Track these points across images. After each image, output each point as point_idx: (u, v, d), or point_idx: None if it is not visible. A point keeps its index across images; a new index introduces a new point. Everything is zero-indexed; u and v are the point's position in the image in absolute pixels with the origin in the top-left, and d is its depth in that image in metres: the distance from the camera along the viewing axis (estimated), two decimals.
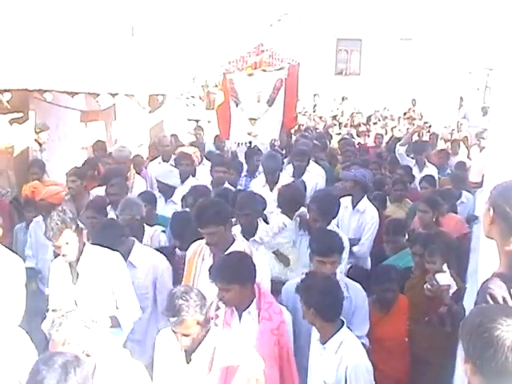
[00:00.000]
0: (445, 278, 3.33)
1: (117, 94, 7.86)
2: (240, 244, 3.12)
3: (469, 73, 13.98)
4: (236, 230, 3.50)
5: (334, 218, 3.68)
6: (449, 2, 13.43)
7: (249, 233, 3.67)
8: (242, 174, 5.96)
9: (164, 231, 4.10)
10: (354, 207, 4.63)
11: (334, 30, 16.10)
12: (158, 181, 5.11)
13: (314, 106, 14.23)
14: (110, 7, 9.05)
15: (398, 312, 3.57)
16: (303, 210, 3.77)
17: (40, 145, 6.41)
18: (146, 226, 4.01)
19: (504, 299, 1.94)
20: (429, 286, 3.38)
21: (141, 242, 3.72)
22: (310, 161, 5.61)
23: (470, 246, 4.55)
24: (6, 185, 5.95)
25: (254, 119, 7.00)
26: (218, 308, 2.81)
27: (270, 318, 2.71)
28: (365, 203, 4.64)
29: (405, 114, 13.28)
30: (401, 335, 3.53)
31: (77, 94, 6.72)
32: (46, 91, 5.85)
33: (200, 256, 3.17)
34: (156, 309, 3.51)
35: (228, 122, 7.19)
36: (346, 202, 4.60)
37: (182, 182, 5.36)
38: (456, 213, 5.20)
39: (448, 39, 13.51)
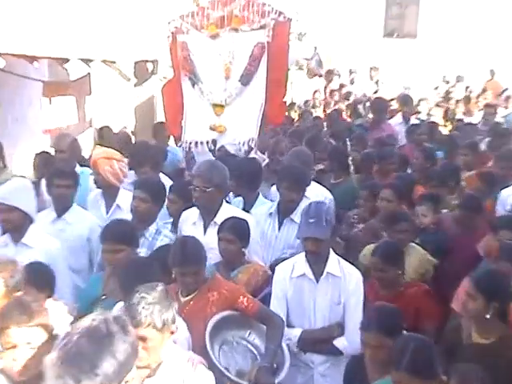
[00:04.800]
0: None
1: (92, 60, 7.29)
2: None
3: None
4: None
5: None
6: None
7: None
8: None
9: None
10: (319, 273, 3.58)
11: None
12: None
13: (352, 80, 12.71)
14: None
15: None
16: None
17: None
18: None
19: None
20: None
21: None
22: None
23: None
24: None
25: (221, 106, 5.67)
26: None
27: None
28: (334, 261, 3.60)
29: (483, 91, 11.33)
30: None
31: (38, 59, 6.37)
32: None
33: None
34: None
35: (179, 110, 5.81)
36: (300, 266, 3.61)
37: (59, 215, 4.28)
38: None
39: None
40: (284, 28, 5.61)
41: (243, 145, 5.64)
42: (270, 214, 4.42)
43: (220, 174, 4.03)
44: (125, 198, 4.52)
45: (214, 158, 5.16)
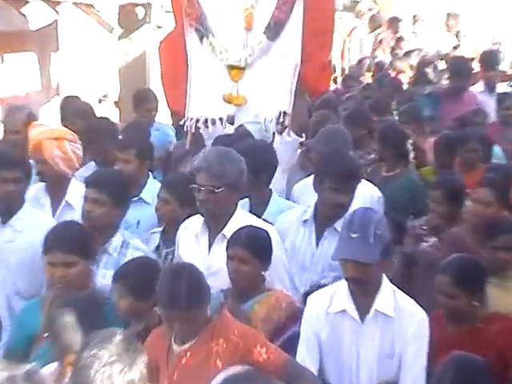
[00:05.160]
0: None
1: (60, 2, 7.71)
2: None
3: None
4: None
5: None
6: None
7: None
8: None
9: None
10: (366, 310, 3.53)
11: None
12: None
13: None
14: None
15: None
16: None
17: None
18: None
19: None
20: None
21: None
22: None
23: None
24: None
25: (239, 68, 5.67)
26: None
27: None
28: (388, 293, 3.55)
29: None
30: None
31: None
32: None
33: None
34: None
35: (182, 74, 5.80)
36: (340, 299, 3.62)
37: (4, 221, 4.26)
38: None
39: None
40: None
41: (271, 122, 5.59)
42: (305, 221, 4.36)
43: (235, 167, 3.95)
44: (78, 193, 4.49)
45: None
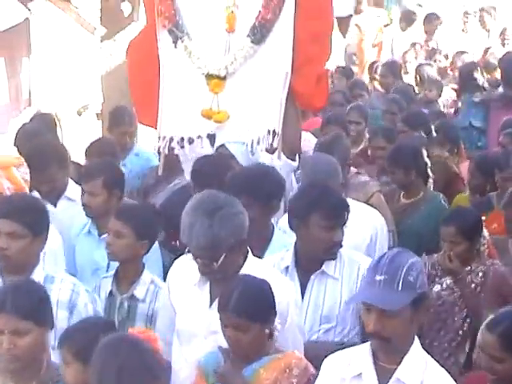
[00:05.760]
0: None
1: None
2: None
3: None
4: None
5: None
6: None
7: None
8: None
9: None
10: (386, 377, 3.44)
11: None
12: None
13: None
14: None
15: None
16: None
17: None
18: None
19: None
20: None
21: None
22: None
23: None
24: None
25: (220, 77, 5.71)
26: None
27: None
28: (417, 360, 3.47)
29: None
30: None
31: None
32: None
33: None
34: None
35: (155, 84, 5.85)
36: (359, 361, 3.63)
37: None
38: None
39: None
40: None
41: (258, 143, 5.61)
42: (285, 269, 4.38)
43: (235, 225, 3.90)
44: None
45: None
